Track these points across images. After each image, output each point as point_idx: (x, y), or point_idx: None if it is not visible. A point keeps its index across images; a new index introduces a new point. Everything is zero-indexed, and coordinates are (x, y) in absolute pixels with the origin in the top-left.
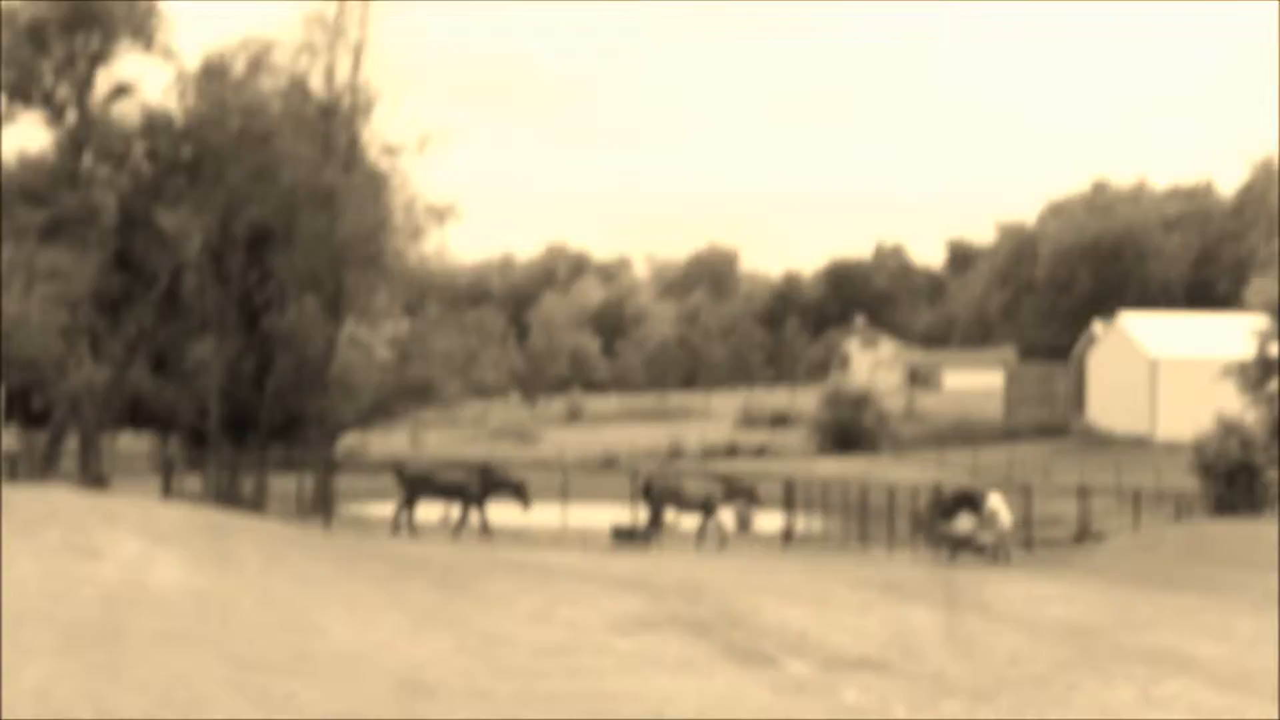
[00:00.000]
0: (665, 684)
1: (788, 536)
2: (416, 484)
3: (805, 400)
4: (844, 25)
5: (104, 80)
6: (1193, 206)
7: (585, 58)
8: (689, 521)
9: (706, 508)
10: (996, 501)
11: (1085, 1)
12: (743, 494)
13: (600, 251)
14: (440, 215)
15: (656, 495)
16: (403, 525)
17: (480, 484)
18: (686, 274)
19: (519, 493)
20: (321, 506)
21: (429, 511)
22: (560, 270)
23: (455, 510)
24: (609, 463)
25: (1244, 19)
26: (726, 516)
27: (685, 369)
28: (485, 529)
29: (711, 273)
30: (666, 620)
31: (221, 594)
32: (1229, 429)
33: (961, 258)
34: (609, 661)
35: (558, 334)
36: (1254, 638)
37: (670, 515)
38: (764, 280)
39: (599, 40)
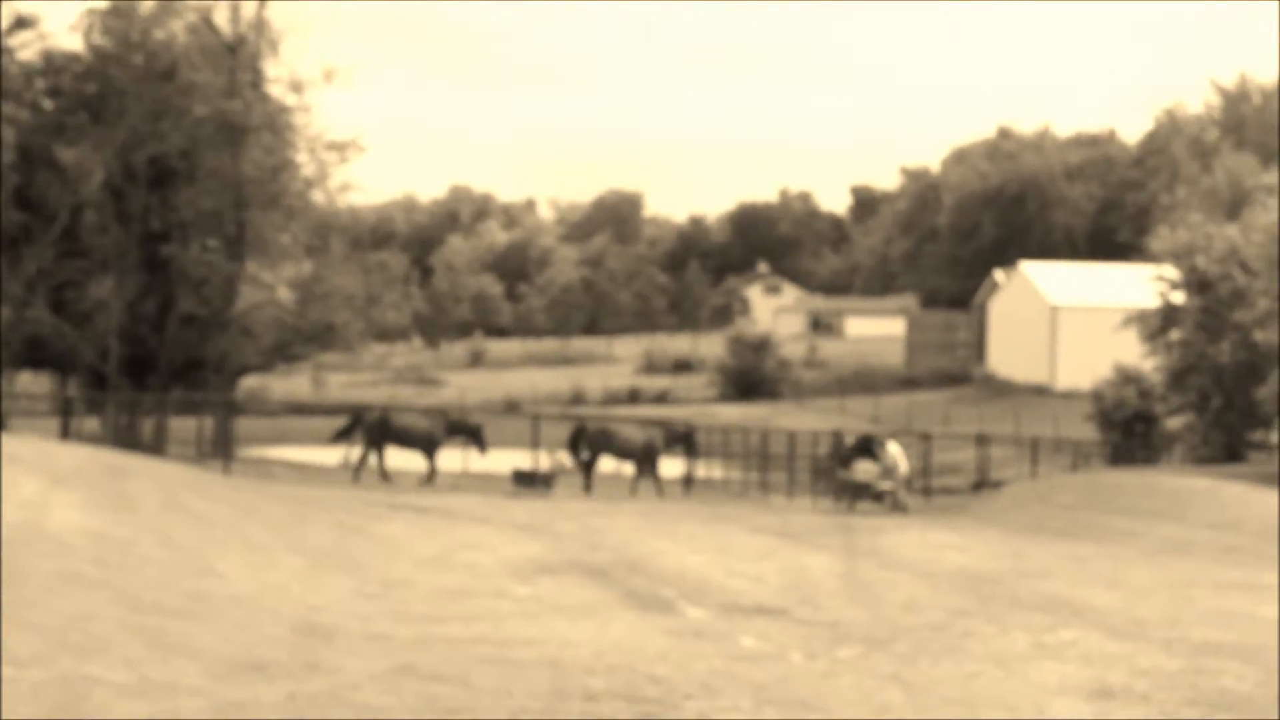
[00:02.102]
0: (563, 629)
1: (688, 483)
2: (377, 430)
3: (708, 346)
4: None
5: (6, 14)
6: (1096, 155)
7: (496, 2)
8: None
9: (645, 455)
10: (894, 449)
11: None
12: (682, 440)
13: (505, 193)
14: (343, 150)
15: (591, 442)
16: (360, 472)
17: (444, 431)
18: (591, 217)
19: (476, 437)
20: (221, 449)
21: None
22: (464, 212)
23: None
24: (511, 407)
25: None
26: (668, 465)
27: (589, 313)
28: (432, 475)
29: (616, 217)
30: (566, 566)
31: (119, 536)
32: (1127, 378)
33: (866, 204)
34: (507, 606)
35: (461, 277)
36: (1147, 586)
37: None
38: (669, 225)
39: None
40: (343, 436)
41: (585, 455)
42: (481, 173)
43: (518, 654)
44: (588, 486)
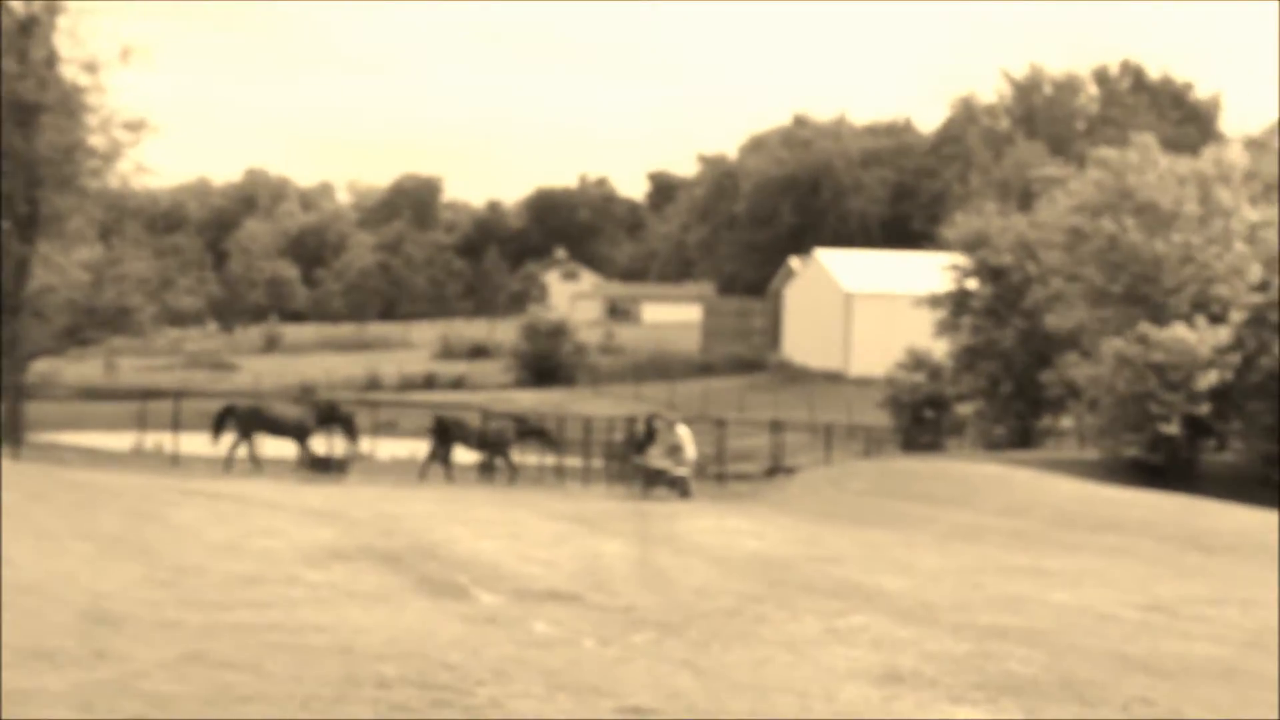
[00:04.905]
0: (356, 616)
1: (484, 468)
2: (250, 420)
3: (505, 332)
4: None
5: None
6: (891, 143)
7: None
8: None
9: (498, 446)
10: (684, 434)
11: None
12: (535, 433)
13: (301, 177)
14: (136, 130)
15: (446, 433)
16: (233, 463)
17: (315, 419)
18: (388, 202)
19: (348, 426)
20: (11, 434)
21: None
22: (260, 196)
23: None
24: (305, 393)
25: None
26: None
27: (386, 299)
28: (323, 465)
29: (414, 201)
30: (359, 552)
31: None
32: (919, 363)
33: (664, 191)
34: (300, 593)
35: (256, 261)
36: (936, 571)
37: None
38: (467, 210)
39: None
40: (217, 426)
41: (441, 445)
42: (278, 156)
43: (310, 641)
44: (345, 467)
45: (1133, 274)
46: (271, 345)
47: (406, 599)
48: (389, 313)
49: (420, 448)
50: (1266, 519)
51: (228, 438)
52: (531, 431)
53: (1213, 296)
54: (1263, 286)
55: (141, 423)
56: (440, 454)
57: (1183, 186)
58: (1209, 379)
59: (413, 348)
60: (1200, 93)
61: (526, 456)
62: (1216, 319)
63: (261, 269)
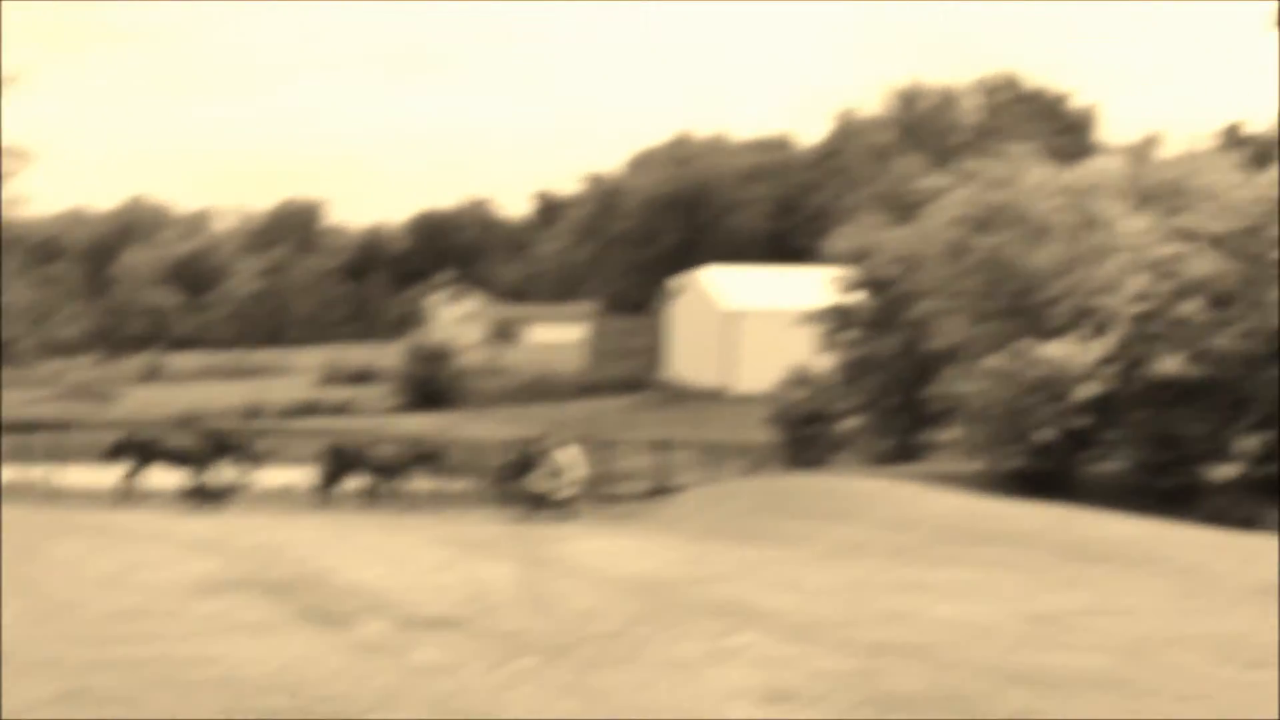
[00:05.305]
0: (240, 648)
1: (370, 494)
2: (145, 450)
3: (389, 356)
4: None
5: None
6: (773, 158)
7: (168, 5)
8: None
9: (393, 471)
10: (571, 456)
11: None
12: (429, 459)
13: (182, 204)
14: (18, 158)
15: (341, 458)
16: (127, 494)
17: (211, 448)
18: (271, 227)
19: (247, 454)
20: None
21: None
22: (140, 223)
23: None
24: (187, 421)
25: None
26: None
27: (269, 325)
28: (206, 494)
29: (296, 226)
30: (243, 582)
31: None
32: (802, 379)
33: (548, 210)
34: (183, 625)
35: (138, 289)
36: (821, 588)
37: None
38: (350, 233)
39: None
40: (113, 456)
41: (335, 470)
42: (157, 183)
43: (192, 674)
44: (227, 495)
45: (1011, 288)
46: (154, 374)
47: (290, 629)
48: (273, 339)
49: (306, 474)
50: (1147, 528)
51: (118, 468)
52: (425, 456)
53: (1093, 308)
54: (1145, 296)
55: (22, 455)
56: (331, 480)
57: (1059, 197)
58: (1087, 391)
59: (297, 373)
60: (1078, 103)
61: (414, 481)
62: (1098, 330)
63: (144, 297)
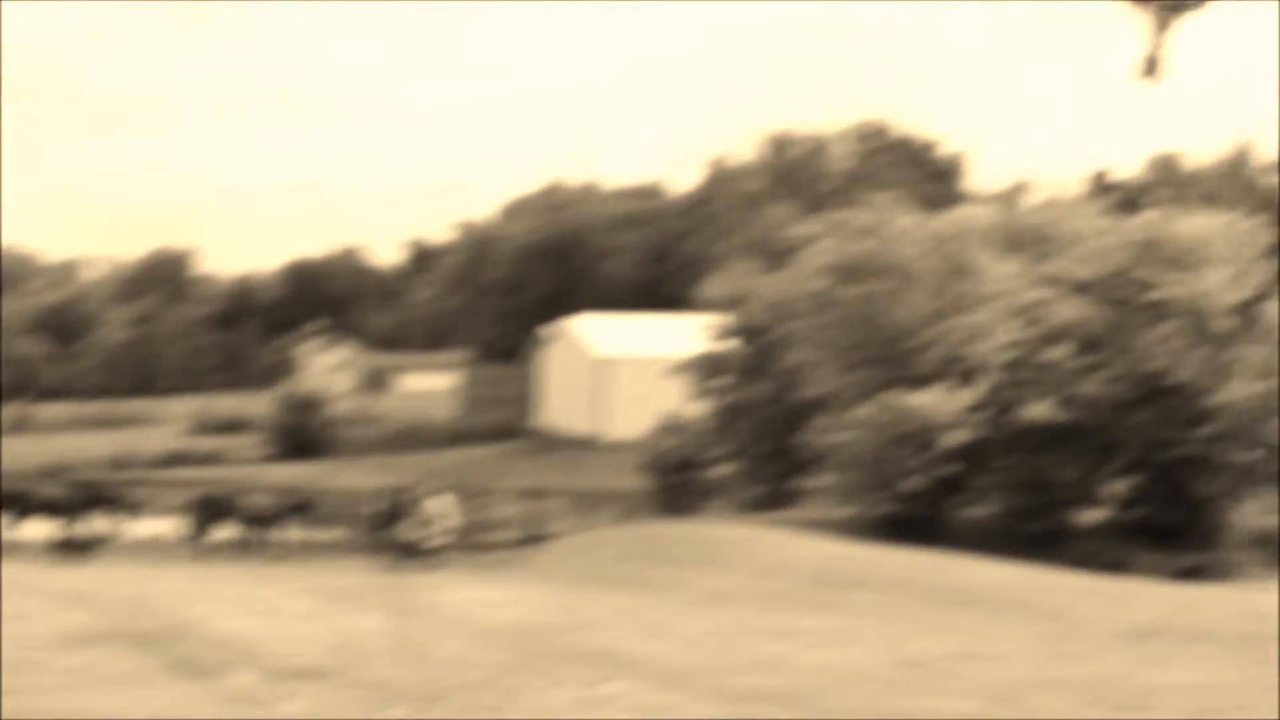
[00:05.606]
0: (106, 700)
1: (240, 544)
2: (20, 502)
3: (260, 405)
4: (289, 29)
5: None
6: (644, 206)
7: (36, 50)
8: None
9: (265, 522)
10: (442, 504)
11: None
12: (302, 509)
13: (50, 252)
14: None
15: (212, 509)
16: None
17: (81, 499)
18: (141, 276)
19: (119, 504)
20: None
21: None
22: (8, 273)
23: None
24: (56, 472)
25: (702, 21)
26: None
27: (139, 374)
28: (75, 546)
29: (167, 274)
30: (111, 634)
31: None
32: (674, 427)
33: (420, 258)
34: (49, 679)
35: (6, 339)
36: (693, 635)
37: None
38: (221, 282)
39: (53, 35)
40: None
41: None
42: (23, 233)
43: None
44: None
45: (880, 337)
46: (22, 425)
47: (159, 681)
48: (143, 388)
49: (176, 525)
50: (1017, 573)
51: None
52: (296, 506)
53: (962, 355)
54: (1013, 343)
55: None
56: (201, 531)
57: (926, 246)
58: (955, 438)
59: (167, 423)
60: (947, 150)
61: (286, 531)
62: (967, 377)
63: (11, 347)
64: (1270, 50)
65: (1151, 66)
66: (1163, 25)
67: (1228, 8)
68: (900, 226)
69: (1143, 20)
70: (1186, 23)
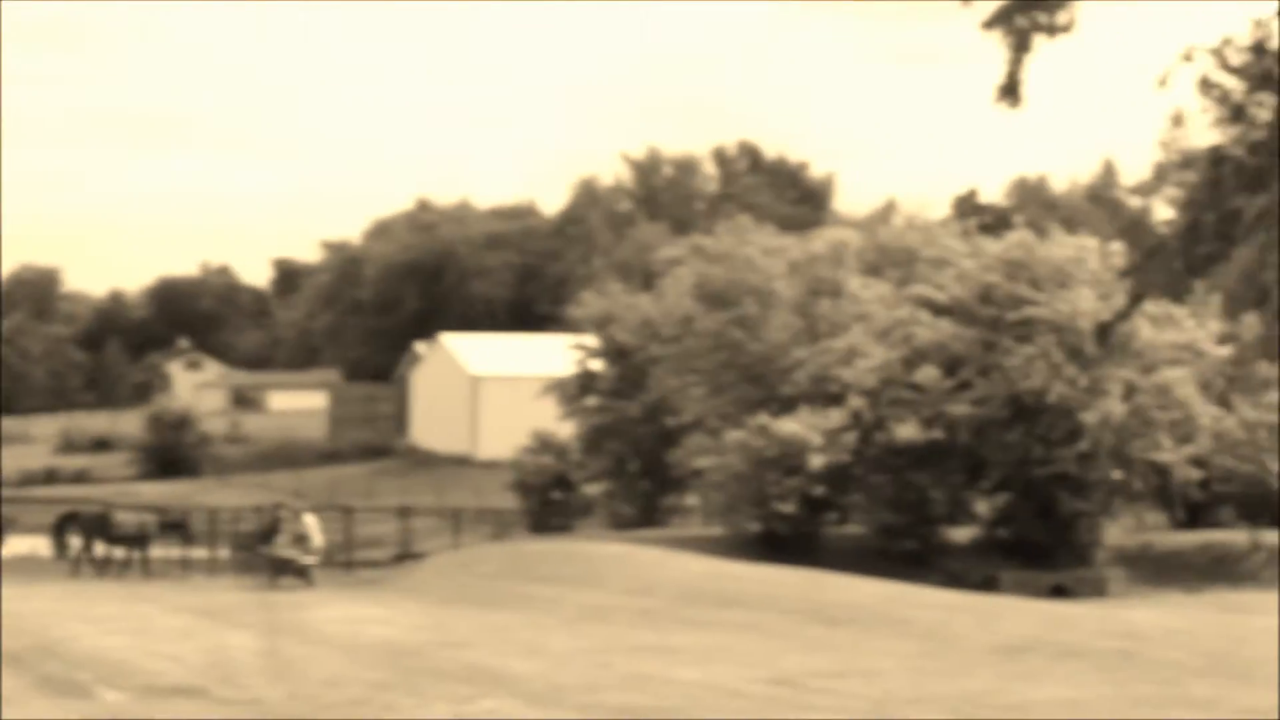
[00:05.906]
0: None
1: (106, 564)
2: None
3: (128, 424)
4: (160, 47)
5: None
6: (515, 226)
7: None
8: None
9: (138, 540)
10: (309, 523)
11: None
12: (176, 527)
13: None
14: None
15: (80, 527)
16: None
17: None
18: (7, 293)
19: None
20: None
21: None
22: None
23: None
24: None
25: (573, 43)
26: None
27: (4, 392)
28: None
29: (31, 292)
30: None
31: None
32: (545, 445)
33: (288, 277)
34: None
35: None
36: (566, 653)
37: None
38: (87, 300)
39: None
40: None
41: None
42: None
43: None
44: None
45: (745, 360)
46: None
47: (26, 700)
48: (8, 407)
49: (44, 543)
50: (887, 590)
51: None
52: (166, 524)
53: (831, 377)
54: (880, 365)
55: None
56: (69, 549)
57: (791, 268)
58: (824, 459)
59: (32, 442)
60: (815, 171)
61: (155, 549)
62: (835, 399)
63: None
64: (1131, 74)
65: (1011, 91)
66: (1020, 50)
67: (1088, 33)
68: (763, 248)
69: (1001, 45)
70: (1046, 48)
